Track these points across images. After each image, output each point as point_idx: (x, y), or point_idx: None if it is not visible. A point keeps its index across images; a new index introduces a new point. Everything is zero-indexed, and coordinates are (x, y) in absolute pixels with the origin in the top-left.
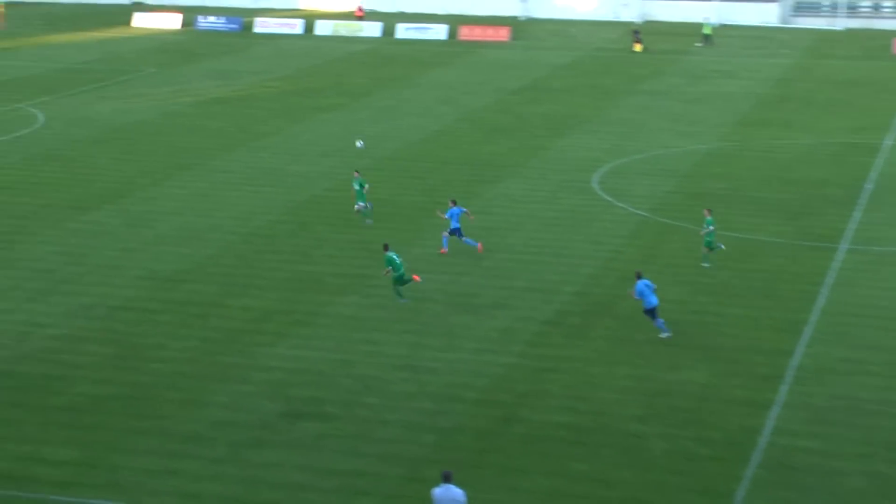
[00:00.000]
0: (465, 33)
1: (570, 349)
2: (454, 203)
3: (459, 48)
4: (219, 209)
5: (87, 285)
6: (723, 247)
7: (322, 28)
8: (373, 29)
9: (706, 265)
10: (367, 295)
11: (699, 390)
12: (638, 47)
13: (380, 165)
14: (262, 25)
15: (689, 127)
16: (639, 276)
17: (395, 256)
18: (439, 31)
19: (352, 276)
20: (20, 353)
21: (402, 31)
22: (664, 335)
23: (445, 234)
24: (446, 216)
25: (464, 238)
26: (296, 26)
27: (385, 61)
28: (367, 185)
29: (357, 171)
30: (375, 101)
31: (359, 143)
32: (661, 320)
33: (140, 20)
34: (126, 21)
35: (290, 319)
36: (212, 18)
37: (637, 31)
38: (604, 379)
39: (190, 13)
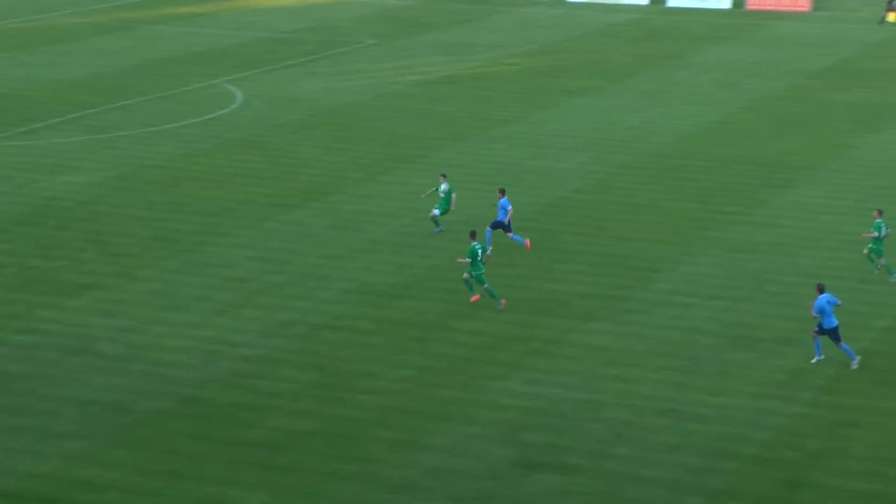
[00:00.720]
0: (755, 2)
1: (878, 399)
2: (503, 193)
3: (746, 20)
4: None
5: (286, 298)
6: (893, 276)
7: None
8: None
9: (879, 269)
10: (622, 321)
11: None
12: (893, 16)
13: (642, 163)
14: None
15: None
16: (821, 290)
17: (479, 250)
18: None
19: (604, 297)
20: (206, 377)
21: None
22: (854, 364)
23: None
24: (500, 207)
25: (511, 234)
26: None
27: (653, 35)
28: (455, 195)
29: (444, 175)
30: (639, 83)
31: (443, 186)
32: (846, 346)
33: None
34: None
35: (527, 348)
36: None
37: None
38: None
39: None
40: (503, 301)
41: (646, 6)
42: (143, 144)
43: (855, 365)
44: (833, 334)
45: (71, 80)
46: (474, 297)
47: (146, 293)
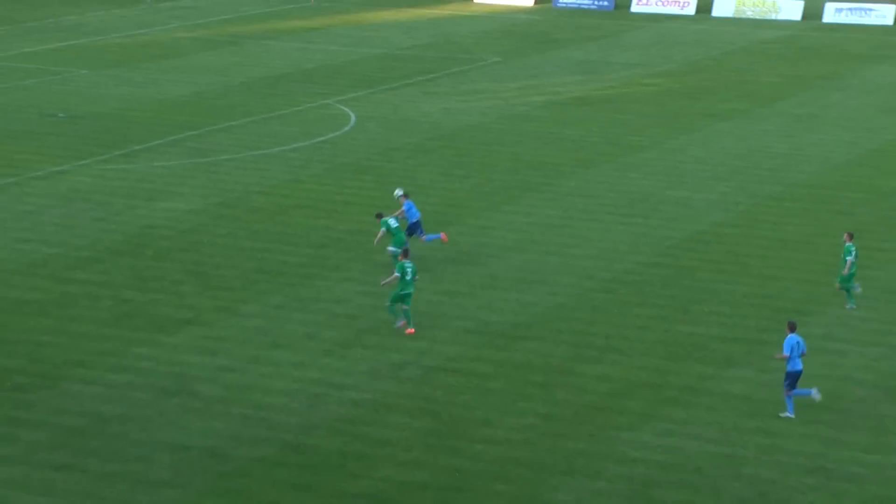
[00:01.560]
0: None
1: None
2: (406, 197)
3: None
4: (573, 245)
5: (398, 338)
6: (858, 289)
7: (722, 7)
8: (791, 9)
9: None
10: (767, 369)
11: None
12: None
13: (792, 195)
14: (641, 3)
15: None
16: (792, 329)
17: (409, 268)
18: (886, 14)
19: (746, 341)
20: (311, 422)
21: (833, 12)
22: (786, 414)
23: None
24: (404, 209)
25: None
26: (687, 5)
27: (806, 54)
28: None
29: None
30: (789, 106)
31: (397, 192)
32: (802, 390)
33: None
34: None
35: (660, 396)
36: None
37: None
38: None
39: None
40: (407, 326)
41: (798, 22)
42: (249, 169)
43: (783, 414)
44: (793, 380)
45: (173, 100)
46: (402, 324)
47: (248, 330)
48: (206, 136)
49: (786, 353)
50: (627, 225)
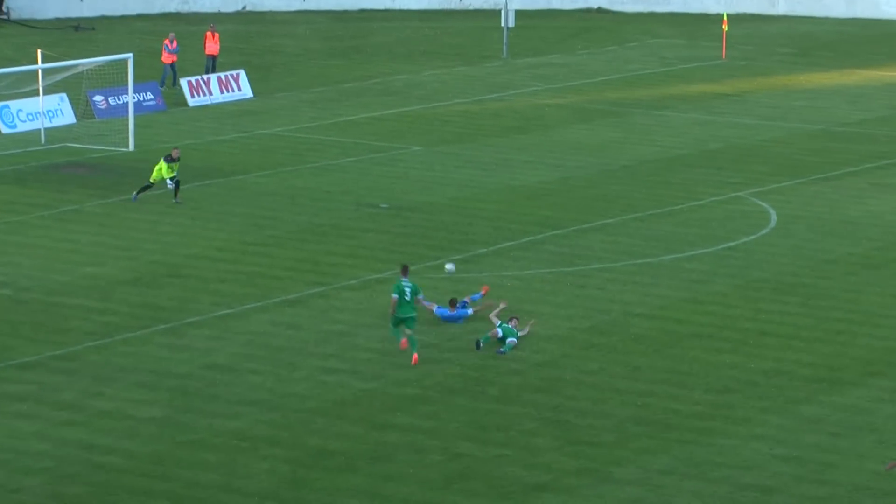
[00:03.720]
0: None
1: None
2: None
3: None
4: None
5: None
6: None
7: None
8: None
9: None
10: None
11: None
12: None
13: None
14: None
15: None
16: None
17: (407, 287)
18: None
19: None
20: None
21: None
22: None
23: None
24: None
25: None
26: None
27: None
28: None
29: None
30: None
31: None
32: None
33: None
34: None
35: None
36: None
37: None
38: None
39: None
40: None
41: None
42: (629, 283)
43: None
44: None
45: (530, 187)
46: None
47: (624, 501)
48: (572, 236)
49: None
50: None
